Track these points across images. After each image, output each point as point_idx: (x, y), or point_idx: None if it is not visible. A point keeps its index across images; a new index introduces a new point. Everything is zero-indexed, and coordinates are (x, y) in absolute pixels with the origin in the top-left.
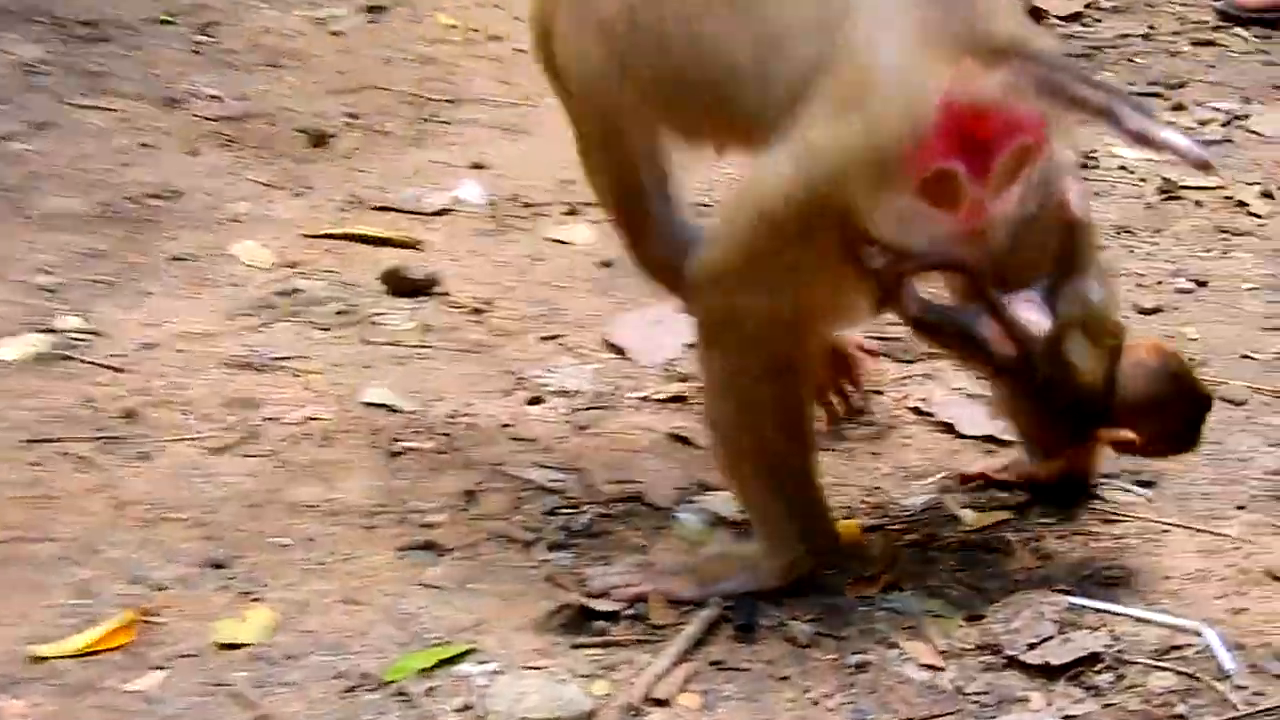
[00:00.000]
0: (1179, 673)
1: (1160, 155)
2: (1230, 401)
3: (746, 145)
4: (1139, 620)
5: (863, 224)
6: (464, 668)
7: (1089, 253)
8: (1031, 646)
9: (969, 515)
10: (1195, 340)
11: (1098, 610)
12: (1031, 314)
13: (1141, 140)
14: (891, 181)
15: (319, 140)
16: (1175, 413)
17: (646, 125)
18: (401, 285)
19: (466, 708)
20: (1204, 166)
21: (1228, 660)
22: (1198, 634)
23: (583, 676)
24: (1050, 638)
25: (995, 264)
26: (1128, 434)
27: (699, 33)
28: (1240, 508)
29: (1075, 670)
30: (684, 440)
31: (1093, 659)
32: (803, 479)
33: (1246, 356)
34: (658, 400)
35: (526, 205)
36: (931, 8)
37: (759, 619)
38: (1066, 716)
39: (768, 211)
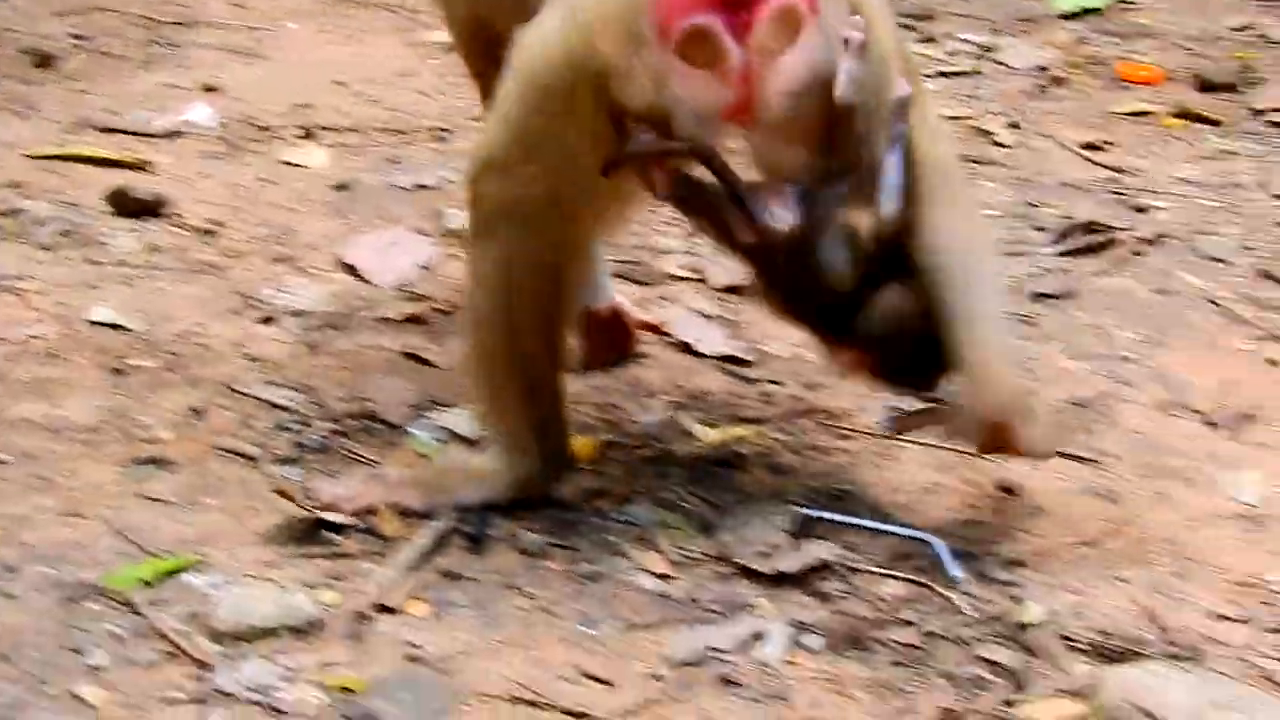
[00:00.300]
0: (907, 580)
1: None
2: None
3: None
4: (870, 531)
5: (621, 86)
6: (190, 578)
7: (860, 147)
8: (763, 556)
9: (704, 432)
10: None
11: (829, 521)
12: (779, 206)
13: None
14: (645, 37)
15: (43, 61)
16: (910, 350)
17: None
18: (128, 206)
19: (193, 617)
20: None
21: (954, 569)
22: (926, 544)
23: (310, 586)
24: (780, 547)
25: (762, 148)
26: (854, 356)
27: None
28: None
29: (805, 578)
30: (418, 359)
31: (823, 567)
32: (547, 390)
33: None
34: (392, 320)
35: (260, 129)
36: None
37: (489, 530)
38: (795, 621)
39: (532, 79)
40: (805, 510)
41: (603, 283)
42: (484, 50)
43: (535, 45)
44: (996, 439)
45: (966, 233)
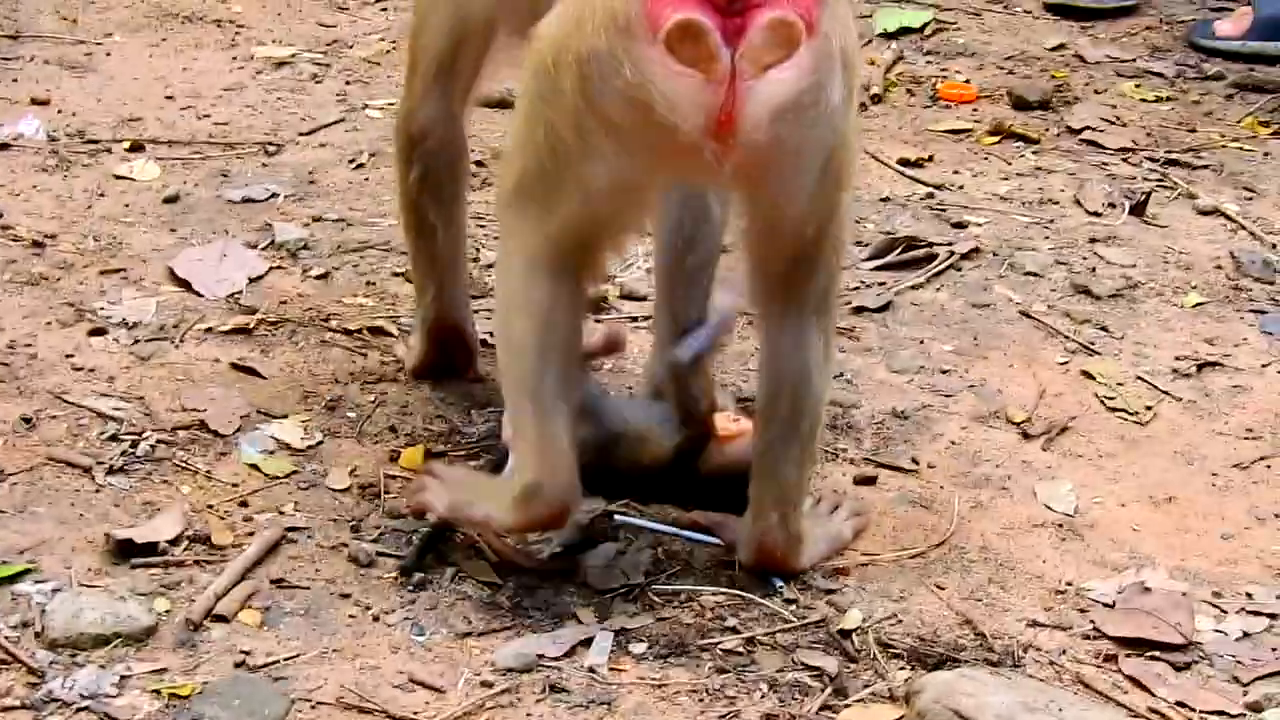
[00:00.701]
0: (730, 591)
1: None
2: None
3: None
4: (687, 540)
5: (609, 76)
6: (22, 587)
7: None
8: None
9: None
10: None
11: (649, 529)
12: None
13: None
14: (633, 28)
15: None
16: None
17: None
18: None
19: (24, 624)
20: None
21: (774, 578)
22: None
23: (143, 595)
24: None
25: (738, 177)
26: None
27: None
28: None
29: (630, 589)
30: (248, 370)
31: (646, 577)
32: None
33: None
34: (221, 332)
35: (90, 142)
36: None
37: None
38: (620, 629)
39: (535, 80)
40: (612, 513)
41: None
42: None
43: (537, 46)
44: (763, 563)
45: (816, 359)
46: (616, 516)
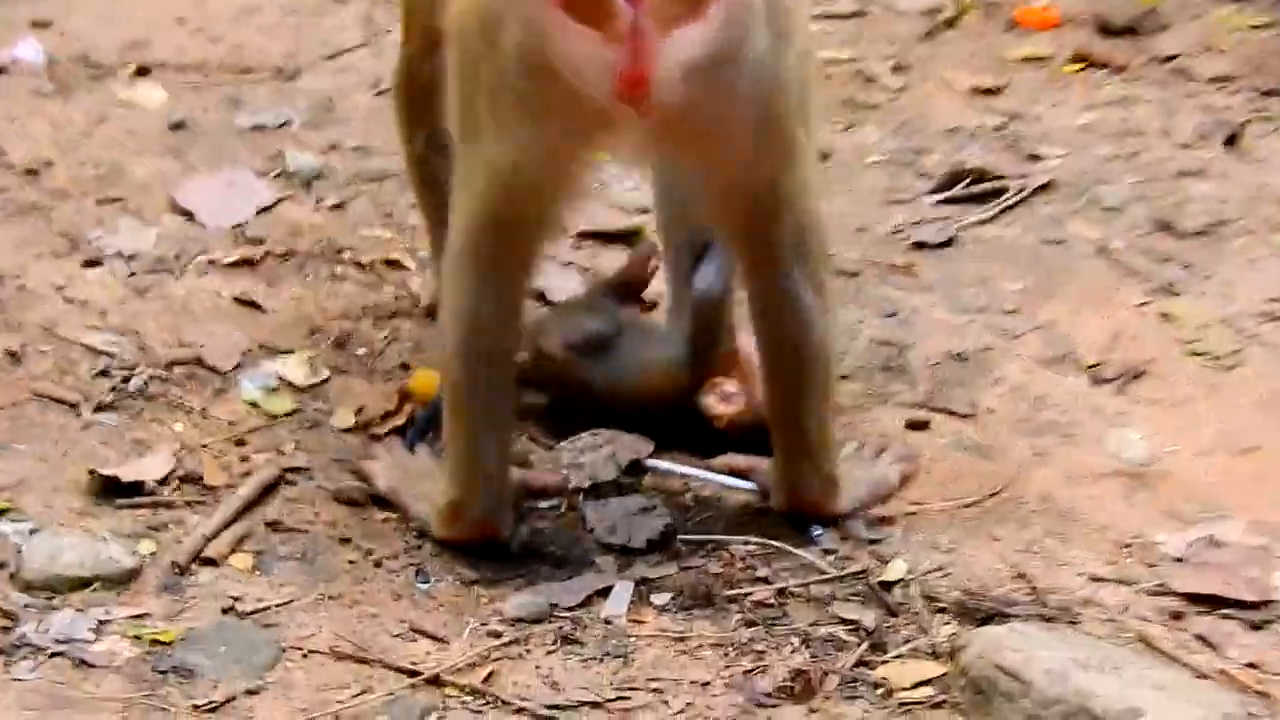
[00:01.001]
0: (761, 540)
1: None
2: (843, 273)
3: None
4: (723, 486)
5: (511, 40)
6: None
7: None
8: (611, 530)
9: None
10: None
11: (677, 473)
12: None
13: None
14: None
15: None
16: None
17: None
18: None
19: (0, 566)
20: None
21: (814, 527)
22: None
23: (127, 536)
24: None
25: (660, 143)
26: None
27: None
28: (844, 378)
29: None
30: (251, 304)
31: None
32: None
33: (862, 229)
34: (225, 264)
35: (92, 66)
36: None
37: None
38: (642, 579)
39: (454, 51)
40: (638, 458)
41: None
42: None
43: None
44: (797, 507)
45: (808, 307)
46: (646, 461)
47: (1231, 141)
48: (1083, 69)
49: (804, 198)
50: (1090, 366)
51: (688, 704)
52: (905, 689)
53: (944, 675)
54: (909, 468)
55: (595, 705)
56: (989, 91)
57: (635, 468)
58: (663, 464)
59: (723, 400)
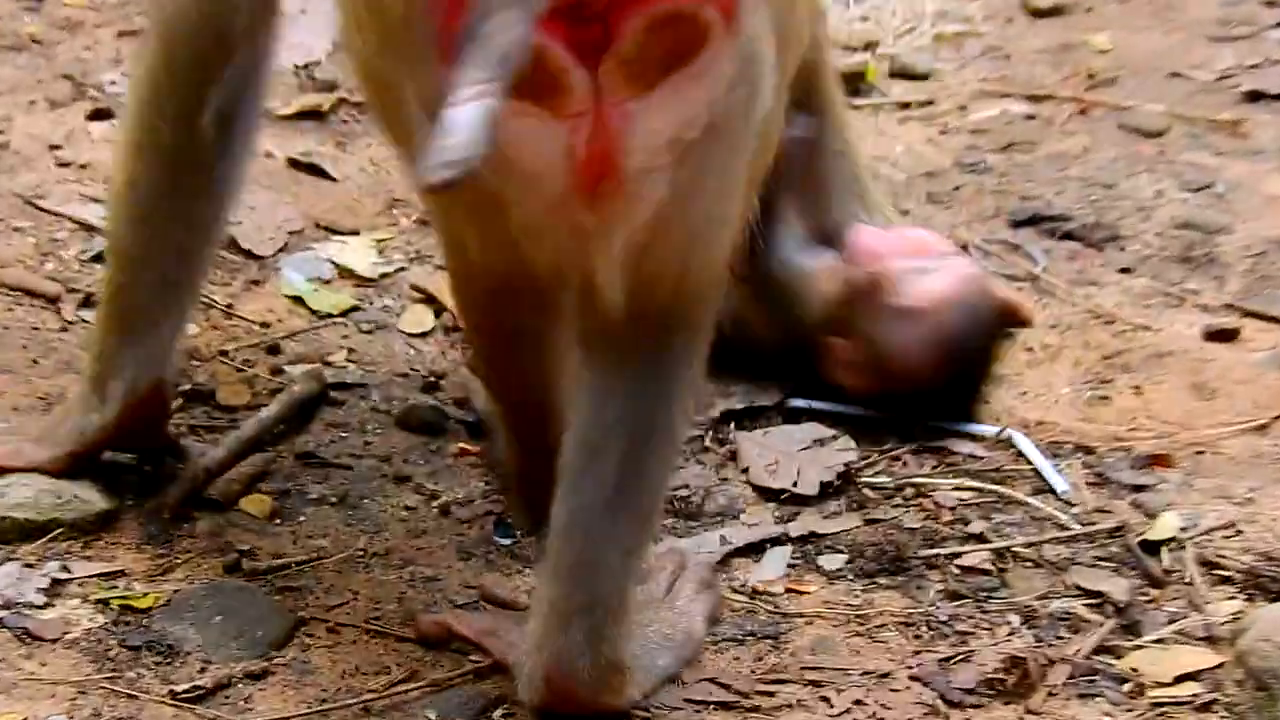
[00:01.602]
0: (975, 487)
1: None
2: (1142, 132)
3: None
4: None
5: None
6: None
7: None
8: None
9: None
10: (1106, 52)
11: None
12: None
13: None
14: (427, 46)
15: None
16: None
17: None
18: None
19: None
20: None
21: (1051, 470)
22: (1007, 439)
23: (102, 469)
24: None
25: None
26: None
27: None
28: (1124, 270)
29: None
30: (311, 168)
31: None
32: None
33: (1177, 75)
34: (282, 116)
35: None
36: None
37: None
38: (809, 535)
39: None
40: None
41: None
42: None
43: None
44: (556, 705)
45: (653, 412)
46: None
47: None
48: None
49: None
50: None
51: (855, 702)
52: (1163, 684)
53: (1218, 667)
54: (711, 602)
55: (727, 706)
56: None
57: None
58: (822, 405)
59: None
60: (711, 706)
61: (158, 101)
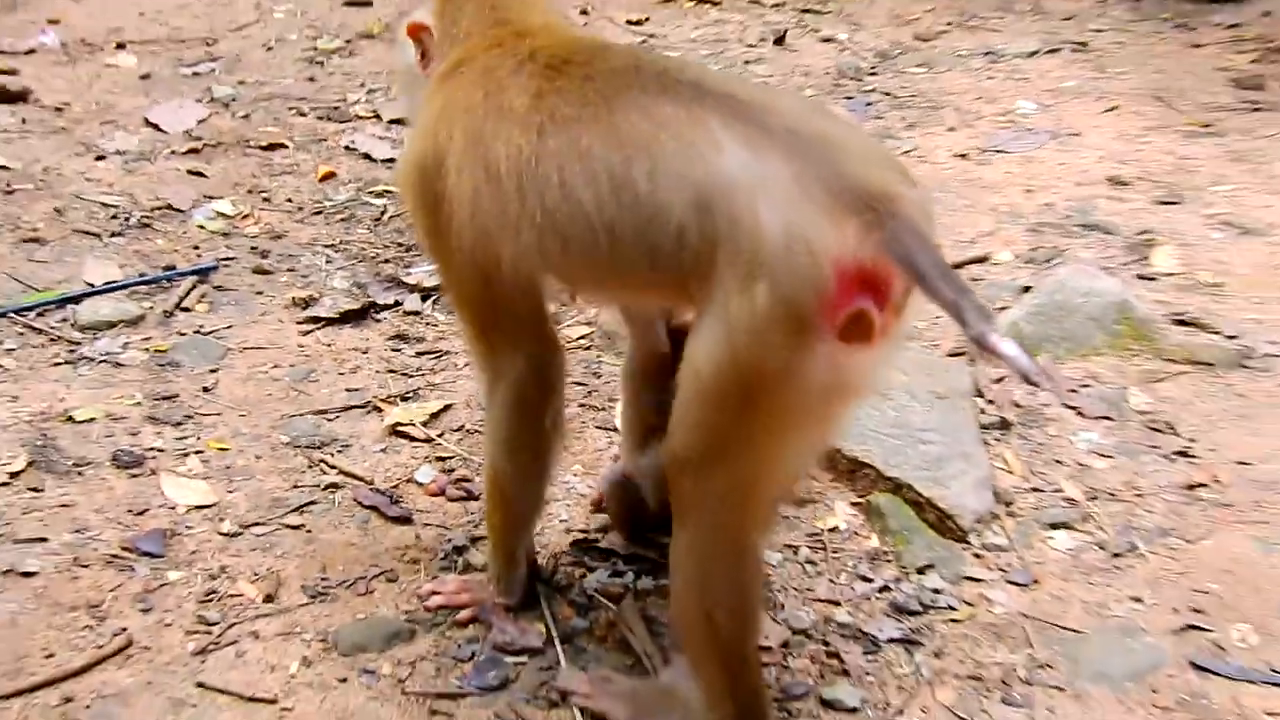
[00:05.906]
0: None
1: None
2: None
3: (636, 299)
4: None
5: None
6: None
7: None
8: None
9: None
10: None
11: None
12: None
13: (978, 344)
14: (809, 334)
15: None
16: None
17: (531, 267)
18: (5, 96)
19: (64, 320)
20: (1031, 381)
21: None
22: None
23: (136, 298)
24: None
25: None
26: None
27: (582, 199)
28: None
29: None
30: (198, 173)
31: None
32: (745, 658)
33: None
34: (180, 153)
35: (89, 45)
36: (800, 163)
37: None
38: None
39: (707, 387)
40: None
41: None
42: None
43: (703, 358)
44: None
45: None
46: None
47: (779, 41)
48: (695, 5)
49: None
50: None
51: None
52: None
53: None
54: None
55: None
56: (638, 22)
57: None
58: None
59: None
60: None
61: (519, 419)
